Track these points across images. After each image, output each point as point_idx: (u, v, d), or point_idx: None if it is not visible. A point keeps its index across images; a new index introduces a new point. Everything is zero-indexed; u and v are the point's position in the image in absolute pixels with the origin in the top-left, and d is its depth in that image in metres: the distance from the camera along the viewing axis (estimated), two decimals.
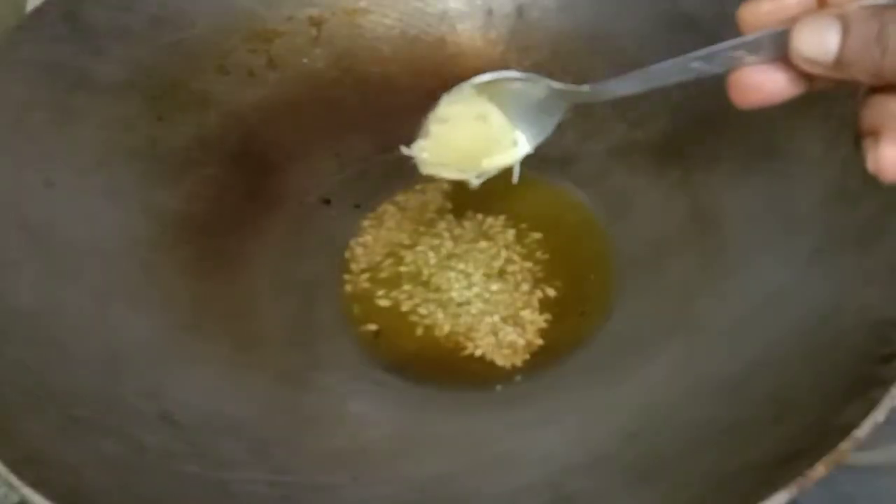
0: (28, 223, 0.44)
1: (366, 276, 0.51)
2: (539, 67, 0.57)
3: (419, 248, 0.52)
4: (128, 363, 0.42)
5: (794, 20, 0.32)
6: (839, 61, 0.31)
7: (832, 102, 0.43)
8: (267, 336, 0.47)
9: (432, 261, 0.51)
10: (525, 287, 0.49)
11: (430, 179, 0.55)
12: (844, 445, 0.31)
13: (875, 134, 0.32)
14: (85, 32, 0.51)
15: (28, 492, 0.32)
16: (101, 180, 0.48)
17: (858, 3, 0.31)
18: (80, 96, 0.50)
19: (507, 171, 0.45)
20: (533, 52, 0.58)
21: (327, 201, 0.54)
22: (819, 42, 0.31)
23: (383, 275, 0.51)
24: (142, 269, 0.47)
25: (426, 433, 0.43)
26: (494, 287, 0.49)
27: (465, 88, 0.45)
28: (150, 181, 0.50)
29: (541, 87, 0.43)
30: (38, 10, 0.50)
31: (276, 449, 0.41)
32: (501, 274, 0.50)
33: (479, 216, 0.53)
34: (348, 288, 0.50)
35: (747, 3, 0.34)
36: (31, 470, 0.33)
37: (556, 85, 0.42)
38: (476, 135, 0.45)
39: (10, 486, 0.33)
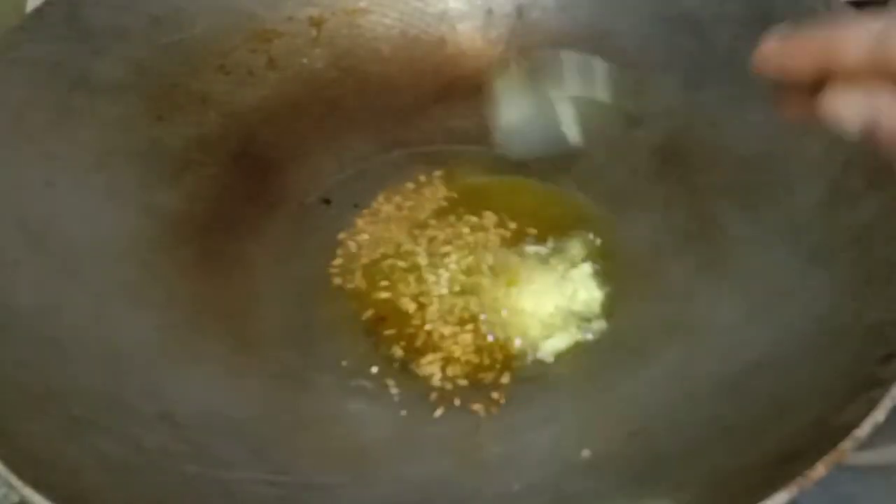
0: (28, 223, 0.44)
1: (365, 275, 0.51)
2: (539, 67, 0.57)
3: (418, 247, 0.52)
4: (127, 363, 0.42)
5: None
6: (870, 136, 0.31)
7: None
8: (266, 336, 0.47)
9: (431, 260, 0.51)
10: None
11: (429, 178, 0.55)
12: (844, 445, 0.31)
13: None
14: (85, 32, 0.51)
15: (28, 492, 0.32)
16: (101, 180, 0.48)
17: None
18: (80, 96, 0.49)
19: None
20: (533, 52, 0.58)
21: (327, 201, 0.54)
22: (849, 118, 0.31)
23: (382, 275, 0.51)
24: (141, 268, 0.47)
25: (426, 433, 0.43)
26: (494, 287, 0.49)
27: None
28: (149, 181, 0.50)
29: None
30: (38, 10, 0.50)
31: (275, 449, 0.41)
32: (500, 274, 0.50)
33: (478, 216, 0.53)
34: (348, 288, 0.50)
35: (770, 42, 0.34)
36: (31, 470, 0.33)
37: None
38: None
39: (11, 486, 0.33)
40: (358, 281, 0.50)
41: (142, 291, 0.46)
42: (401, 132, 0.57)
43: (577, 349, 0.46)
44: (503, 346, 0.47)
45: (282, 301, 0.49)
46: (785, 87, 0.34)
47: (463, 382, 0.45)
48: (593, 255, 0.50)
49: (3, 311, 0.41)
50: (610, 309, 0.48)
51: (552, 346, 0.46)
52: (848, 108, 0.31)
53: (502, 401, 0.44)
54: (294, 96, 0.57)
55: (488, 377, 0.45)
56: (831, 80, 0.31)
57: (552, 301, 0.48)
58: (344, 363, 0.46)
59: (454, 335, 0.47)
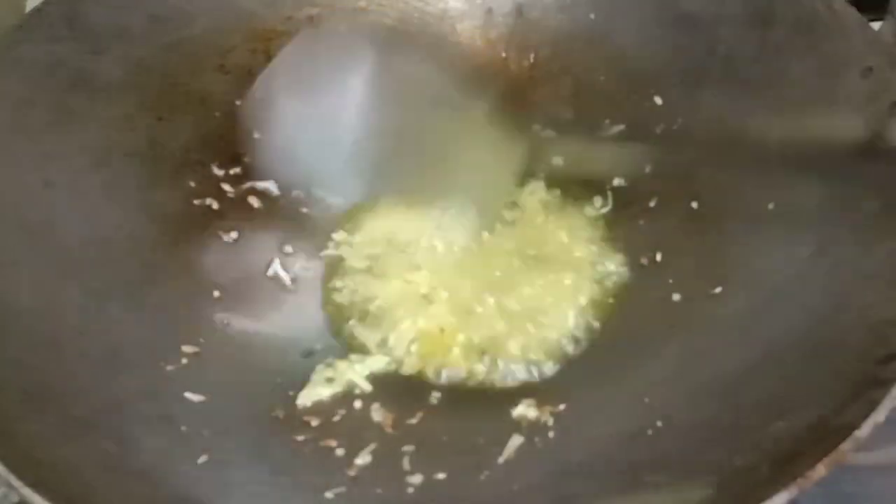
0: (27, 223, 0.44)
1: (366, 274, 0.51)
2: (538, 67, 0.57)
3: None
4: (127, 363, 0.42)
5: None
6: None
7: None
8: (266, 336, 0.47)
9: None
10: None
11: None
12: (845, 446, 0.31)
13: None
14: (84, 32, 0.51)
15: (28, 492, 0.32)
16: (101, 180, 0.48)
17: None
18: (80, 96, 0.49)
19: None
20: (533, 51, 0.58)
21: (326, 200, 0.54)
22: None
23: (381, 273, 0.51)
24: (141, 269, 0.47)
25: (426, 433, 0.43)
26: (491, 286, 0.49)
27: None
28: (149, 181, 0.50)
29: None
30: (37, 10, 0.50)
31: (275, 449, 0.41)
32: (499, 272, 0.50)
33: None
34: (349, 286, 0.50)
35: None
36: (30, 470, 0.33)
37: None
38: None
39: (10, 487, 0.33)
40: (359, 281, 0.50)
41: (141, 291, 0.46)
42: None
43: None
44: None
45: (282, 301, 0.49)
46: None
47: (464, 381, 0.45)
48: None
49: (3, 311, 0.41)
50: (608, 308, 0.48)
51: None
52: None
53: (504, 399, 0.44)
54: None
55: (491, 376, 0.45)
56: None
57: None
58: (343, 362, 0.46)
59: (455, 334, 0.47)
